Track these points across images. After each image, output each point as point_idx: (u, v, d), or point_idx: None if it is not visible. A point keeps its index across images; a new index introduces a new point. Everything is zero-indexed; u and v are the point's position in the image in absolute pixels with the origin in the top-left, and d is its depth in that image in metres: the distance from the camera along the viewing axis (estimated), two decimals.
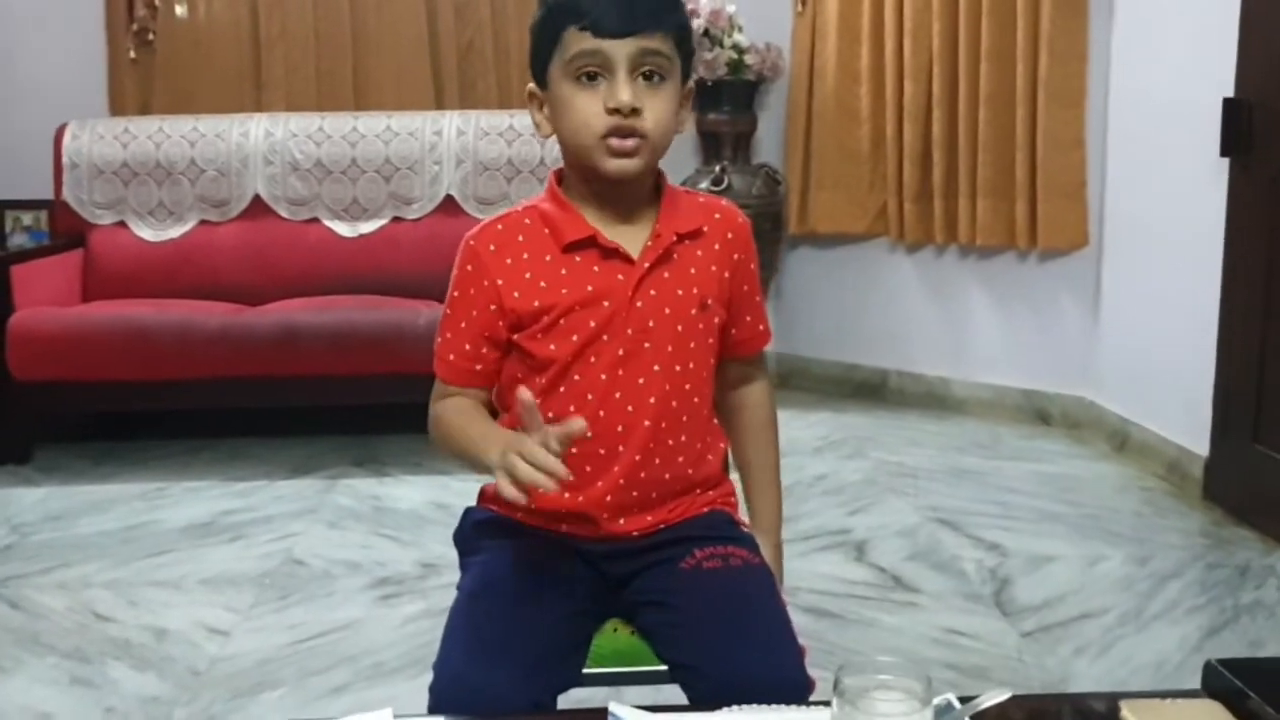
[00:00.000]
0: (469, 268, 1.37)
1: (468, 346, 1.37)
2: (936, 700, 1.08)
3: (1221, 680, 1.13)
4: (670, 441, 1.38)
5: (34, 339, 3.53)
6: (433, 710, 1.20)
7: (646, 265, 1.34)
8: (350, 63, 4.44)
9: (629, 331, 1.35)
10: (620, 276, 1.34)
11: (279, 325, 3.56)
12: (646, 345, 1.36)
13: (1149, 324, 3.56)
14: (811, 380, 4.43)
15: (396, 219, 4.09)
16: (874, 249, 4.36)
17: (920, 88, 4.05)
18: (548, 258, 1.35)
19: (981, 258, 4.12)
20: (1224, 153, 3.05)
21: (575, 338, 1.34)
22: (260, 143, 4.08)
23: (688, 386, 1.39)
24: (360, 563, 2.82)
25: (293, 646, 2.39)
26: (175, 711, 2.13)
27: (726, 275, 1.41)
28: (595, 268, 1.35)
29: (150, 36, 4.41)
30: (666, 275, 1.36)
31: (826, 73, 4.29)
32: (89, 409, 3.88)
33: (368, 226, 4.08)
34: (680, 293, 1.37)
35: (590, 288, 1.34)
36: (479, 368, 1.39)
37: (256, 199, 4.08)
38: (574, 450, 1.25)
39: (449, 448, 1.37)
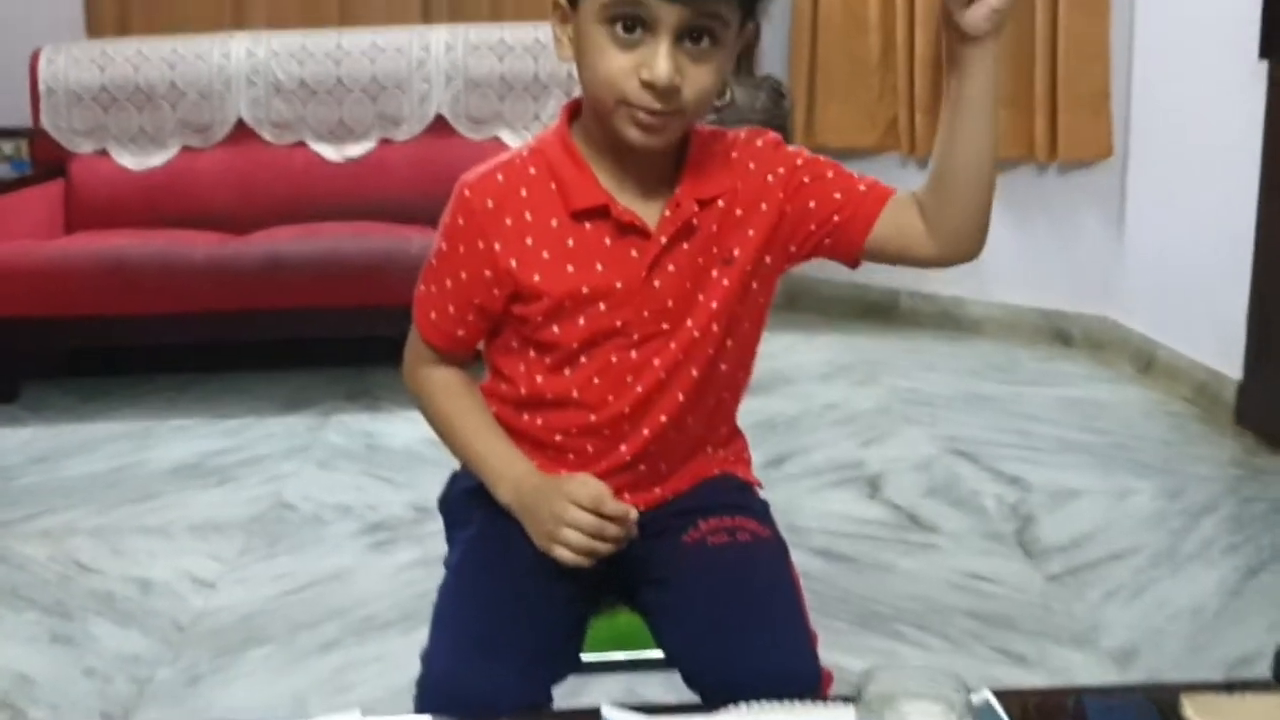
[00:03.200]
0: (461, 221, 1.18)
1: (452, 309, 1.21)
2: (975, 699, 0.96)
3: None
4: (690, 419, 1.22)
5: (14, 274, 3.38)
6: (420, 709, 1.07)
7: (663, 240, 1.16)
8: None
9: (645, 314, 1.18)
10: (634, 253, 1.16)
11: (266, 255, 3.40)
12: (665, 326, 1.18)
13: (1177, 239, 3.39)
14: (819, 301, 4.26)
15: (385, 141, 3.91)
16: (885, 163, 4.17)
17: None
18: (554, 223, 1.17)
19: (998, 171, 3.91)
20: (1263, 54, 2.87)
21: (582, 321, 1.17)
22: (242, 63, 3.89)
23: (723, 367, 1.22)
24: (352, 506, 2.71)
25: (280, 599, 2.29)
26: (158, 671, 2.03)
27: (766, 209, 1.20)
28: (606, 240, 1.17)
29: None
30: (686, 246, 1.18)
31: None
32: (74, 344, 3.75)
33: (355, 149, 3.90)
34: (702, 260, 1.18)
35: (600, 266, 1.16)
36: (461, 333, 1.23)
37: (240, 123, 3.90)
38: (574, 431, 1.16)
39: (447, 443, 1.26)
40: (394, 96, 3.88)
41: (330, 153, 3.91)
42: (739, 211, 1.20)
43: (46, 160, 3.97)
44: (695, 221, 1.17)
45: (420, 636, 1.14)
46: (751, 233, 1.20)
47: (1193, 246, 3.31)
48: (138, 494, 2.83)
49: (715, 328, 1.20)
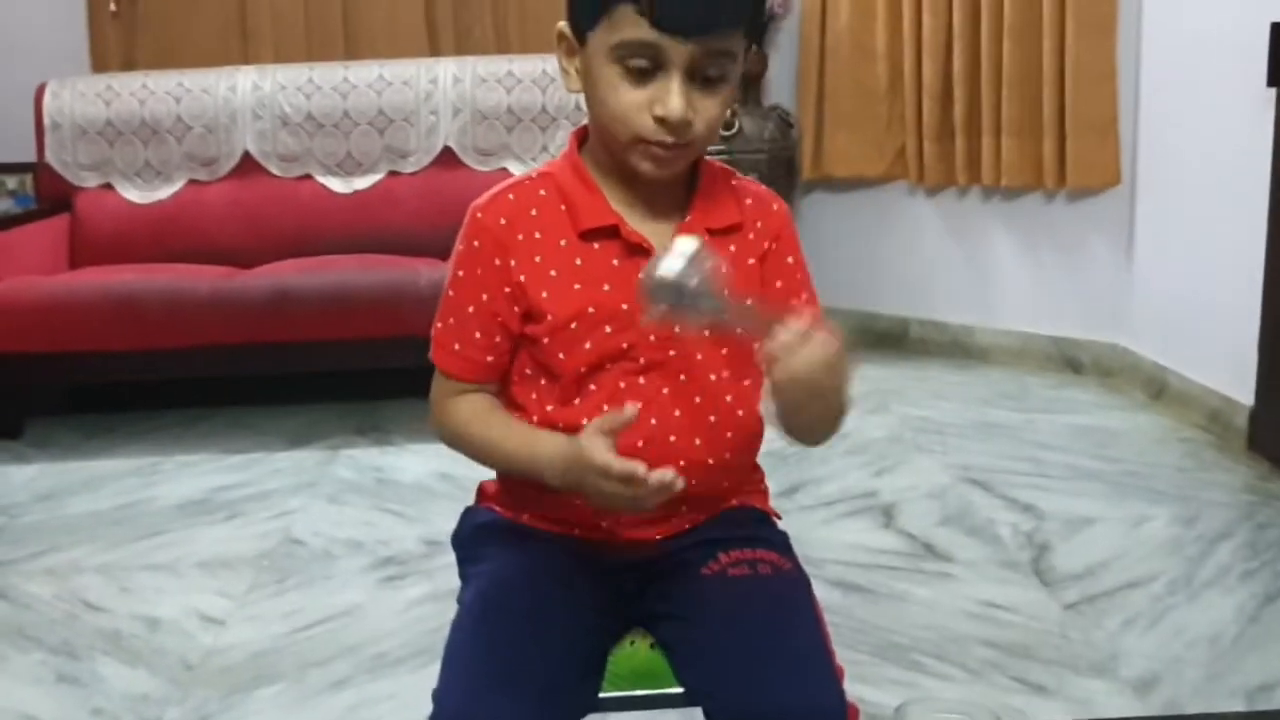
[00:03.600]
0: (476, 243, 1.19)
1: (478, 335, 1.20)
2: None
3: None
4: (710, 460, 1.21)
5: (19, 310, 3.38)
6: None
7: None
8: (340, 10, 4.24)
9: (651, 338, 1.17)
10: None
11: (272, 289, 3.40)
12: (671, 353, 1.18)
13: (1187, 266, 3.38)
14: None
15: (392, 173, 3.92)
16: (893, 192, 4.18)
17: (940, 20, 3.85)
18: (562, 242, 1.18)
19: (1006, 199, 3.93)
20: (1271, 82, 2.86)
21: (588, 345, 1.17)
22: (248, 97, 3.90)
23: (728, 398, 1.21)
24: (362, 541, 2.68)
25: (290, 636, 2.26)
26: (166, 711, 2.00)
27: (753, 264, 1.23)
28: (615, 261, 1.17)
29: None
30: None
31: (840, 7, 4.08)
32: (79, 381, 3.74)
33: (362, 182, 3.91)
34: None
35: (607, 287, 1.17)
36: (490, 359, 1.21)
37: (246, 156, 3.91)
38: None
39: (491, 464, 1.24)
40: (401, 129, 3.89)
41: (337, 185, 3.91)
42: (751, 260, 1.22)
43: (51, 195, 3.98)
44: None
45: (432, 673, 1.11)
46: (751, 267, 1.22)
47: (1202, 273, 3.30)
48: (144, 531, 2.80)
49: (724, 368, 1.20)
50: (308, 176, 3.92)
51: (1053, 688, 1.99)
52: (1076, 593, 2.32)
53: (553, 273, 1.17)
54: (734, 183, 1.25)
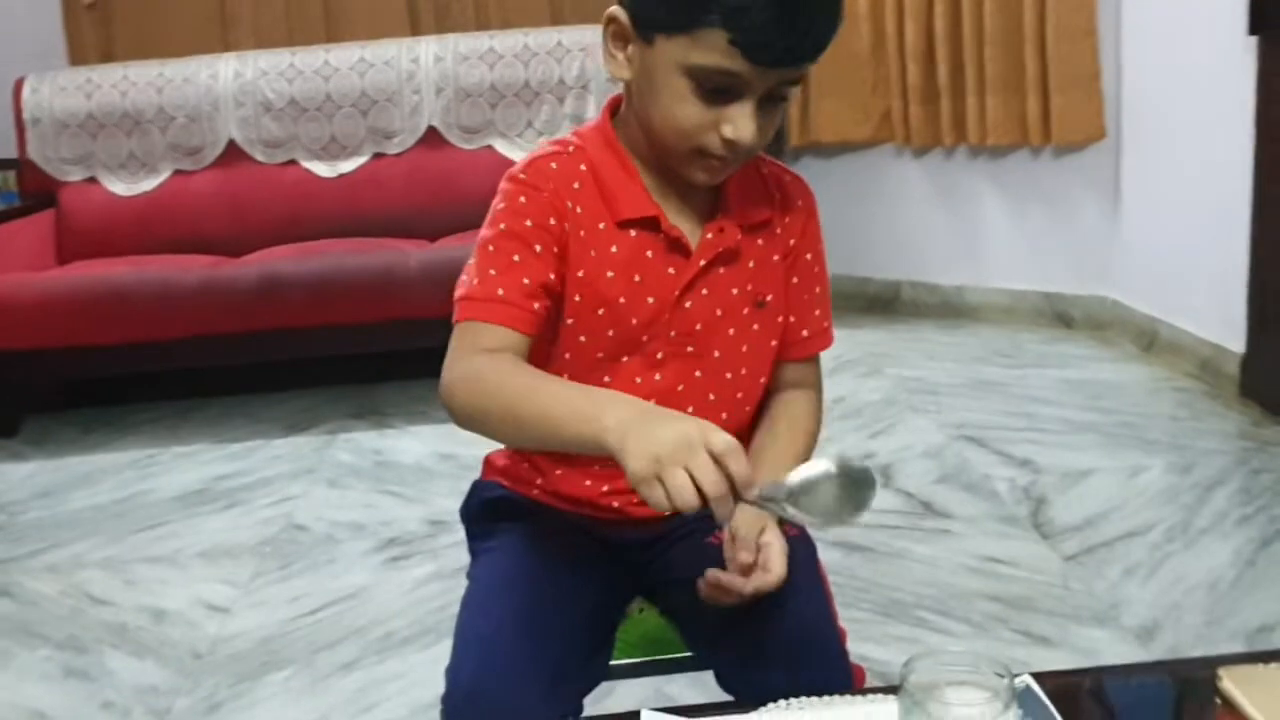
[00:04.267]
0: (523, 199, 1.12)
1: (526, 281, 1.09)
2: (1016, 684, 0.95)
3: None
4: None
5: (8, 307, 3.36)
6: None
7: (702, 263, 1.15)
8: None
9: (671, 334, 1.16)
10: (671, 270, 1.15)
11: (262, 276, 3.38)
12: (690, 349, 1.17)
13: (1174, 217, 3.39)
14: (826, 273, 4.23)
15: (378, 155, 3.91)
16: (880, 156, 4.17)
17: None
18: (601, 225, 1.14)
19: (993, 158, 3.93)
20: (1253, 30, 2.85)
21: (611, 333, 1.15)
22: (230, 84, 3.87)
23: (739, 395, 1.21)
24: (364, 524, 2.69)
25: (297, 621, 2.27)
26: (176, 701, 2.01)
27: (778, 261, 1.21)
28: (649, 252, 1.15)
29: None
30: (722, 271, 1.17)
31: None
32: (72, 375, 3.72)
33: (348, 165, 3.90)
34: (736, 291, 1.18)
35: (638, 277, 1.14)
36: (537, 307, 1.10)
37: (231, 144, 3.89)
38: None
39: (514, 423, 1.02)
40: (385, 110, 3.87)
41: (323, 170, 3.90)
42: (776, 257, 1.21)
43: (35, 190, 3.95)
44: (739, 249, 1.17)
45: (440, 651, 1.12)
46: (777, 264, 1.21)
47: (1189, 223, 3.31)
48: (145, 523, 2.81)
49: (741, 365, 1.20)
50: (293, 162, 3.91)
51: (1056, 639, 2.01)
52: (1076, 544, 2.34)
53: (592, 253, 1.13)
54: (764, 171, 1.22)
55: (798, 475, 0.94)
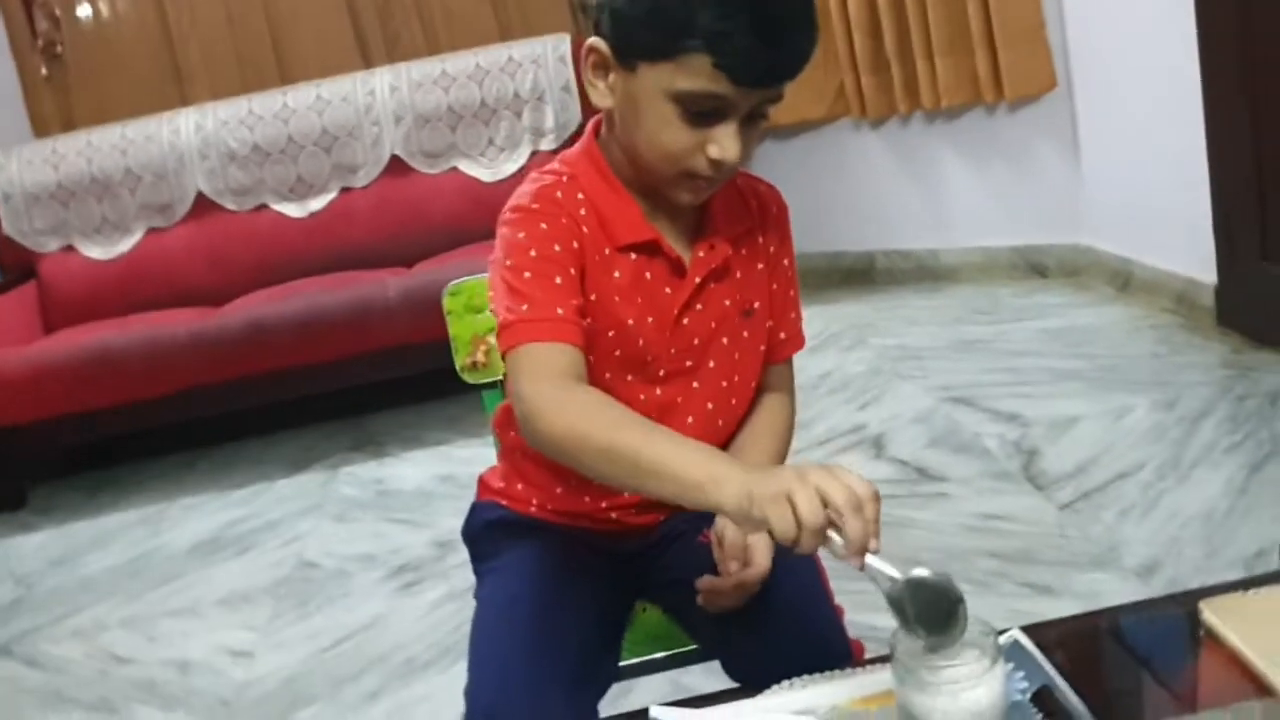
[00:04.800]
0: (543, 225, 1.12)
1: (574, 302, 1.11)
2: (1002, 639, 0.99)
3: None
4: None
5: (2, 382, 3.41)
6: None
7: (697, 281, 1.19)
8: (268, 39, 4.28)
9: (672, 351, 1.21)
10: (668, 290, 1.19)
11: (247, 323, 3.43)
12: (688, 363, 1.22)
13: (1134, 157, 3.43)
14: (798, 275, 4.28)
15: (345, 189, 3.94)
16: (838, 131, 4.21)
17: None
18: (606, 250, 1.17)
19: (949, 119, 3.97)
20: None
21: (618, 353, 1.18)
22: (192, 137, 3.91)
23: (734, 401, 1.26)
24: (374, 554, 2.74)
25: (319, 656, 2.31)
26: None
27: (761, 269, 1.26)
28: (648, 274, 1.18)
29: (59, 49, 4.24)
30: (714, 286, 1.21)
31: None
32: (72, 442, 3.76)
33: (317, 203, 3.93)
34: (728, 303, 1.22)
35: (640, 300, 1.18)
36: (585, 324, 1.13)
37: (200, 196, 3.92)
38: None
39: (617, 454, 0.99)
40: (347, 145, 3.91)
41: (293, 210, 3.93)
42: (759, 266, 1.25)
43: (14, 264, 3.99)
44: (728, 264, 1.21)
45: (462, 670, 1.14)
46: (760, 272, 1.25)
47: (1150, 162, 3.35)
48: (161, 578, 2.85)
49: (734, 373, 1.24)
50: (263, 206, 3.94)
51: (1059, 587, 2.05)
52: (1070, 492, 2.39)
53: (600, 277, 1.16)
54: (739, 183, 1.26)
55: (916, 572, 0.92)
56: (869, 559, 0.91)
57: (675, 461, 0.96)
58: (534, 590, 1.20)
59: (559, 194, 1.16)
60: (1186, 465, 2.40)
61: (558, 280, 1.11)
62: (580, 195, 1.17)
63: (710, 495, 0.93)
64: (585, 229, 1.15)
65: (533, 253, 1.12)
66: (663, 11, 1.03)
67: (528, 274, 1.11)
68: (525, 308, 1.09)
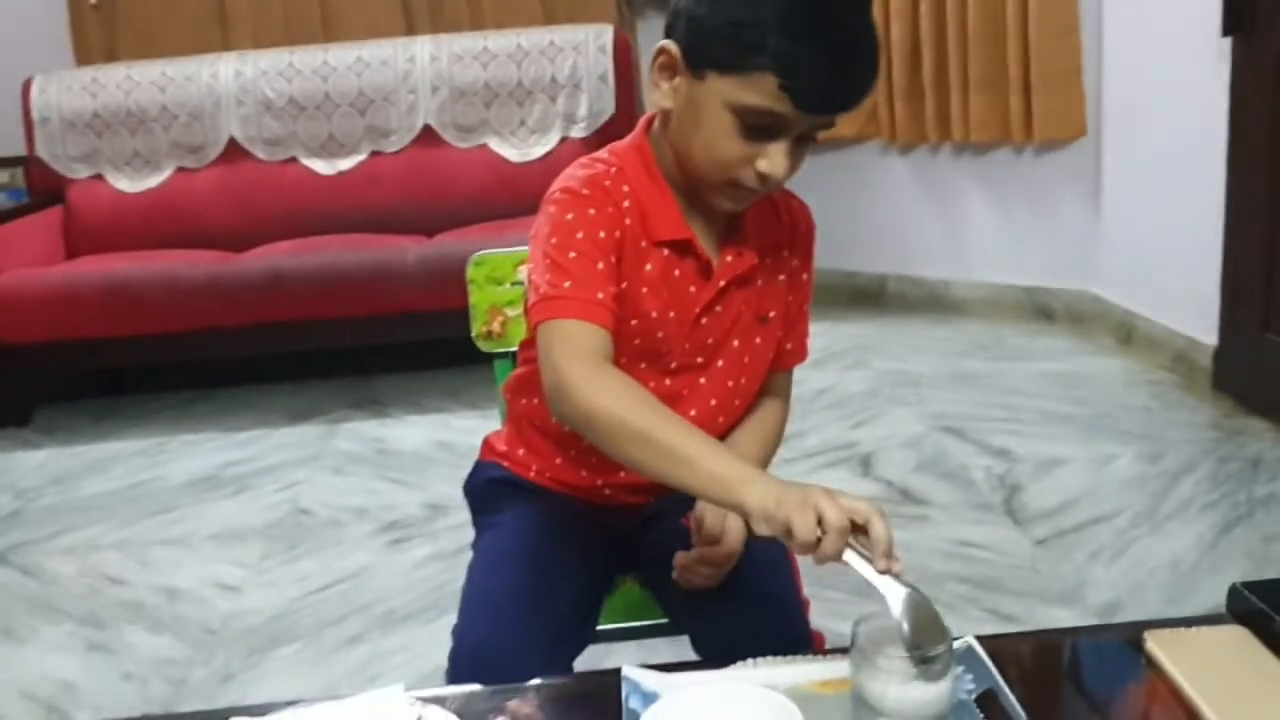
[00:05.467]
0: (591, 211, 1.18)
1: (612, 289, 1.16)
2: (957, 643, 1.05)
3: (1246, 603, 1.11)
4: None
5: (20, 301, 3.48)
6: (452, 680, 1.16)
7: (722, 284, 1.25)
8: None
9: (686, 346, 1.27)
10: (693, 289, 1.24)
11: (266, 271, 3.49)
12: (699, 360, 1.28)
13: (1152, 213, 3.50)
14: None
15: (375, 153, 4.00)
16: (866, 152, 4.28)
17: None
18: (642, 243, 1.22)
19: (977, 154, 4.03)
20: (1226, 32, 2.96)
21: (637, 342, 1.24)
22: (231, 83, 3.97)
23: (737, 401, 1.32)
24: (367, 508, 2.80)
25: (305, 599, 2.38)
26: (192, 672, 2.13)
27: (782, 280, 1.32)
28: (676, 271, 1.24)
29: None
30: (736, 291, 1.27)
31: None
32: (82, 367, 3.83)
33: (346, 163, 4.00)
34: (745, 309, 1.28)
35: (665, 294, 1.24)
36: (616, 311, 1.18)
37: (232, 142, 3.99)
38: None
39: (653, 442, 1.04)
40: (382, 109, 3.97)
41: (322, 167, 4.00)
42: (781, 277, 1.31)
43: (43, 187, 4.06)
44: (752, 271, 1.26)
45: (439, 626, 1.23)
46: (781, 283, 1.31)
47: (1167, 220, 3.42)
48: (157, 507, 2.92)
49: (742, 375, 1.30)
50: (293, 159, 4.01)
51: (1022, 617, 2.12)
52: (1046, 529, 2.46)
53: (634, 268, 1.21)
54: (775, 196, 1.30)
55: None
56: (875, 578, 0.99)
57: (709, 457, 1.02)
58: (528, 546, 1.27)
59: (607, 183, 1.21)
60: (1161, 517, 2.47)
61: (600, 266, 1.16)
62: (626, 188, 1.22)
63: (736, 492, 0.99)
64: (628, 220, 1.21)
65: (579, 235, 1.17)
66: (739, 28, 1.07)
67: (573, 254, 1.15)
68: (568, 284, 1.13)
